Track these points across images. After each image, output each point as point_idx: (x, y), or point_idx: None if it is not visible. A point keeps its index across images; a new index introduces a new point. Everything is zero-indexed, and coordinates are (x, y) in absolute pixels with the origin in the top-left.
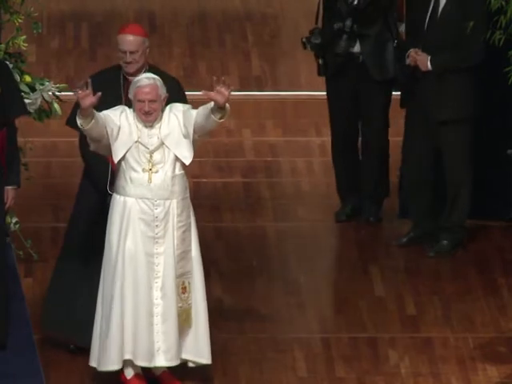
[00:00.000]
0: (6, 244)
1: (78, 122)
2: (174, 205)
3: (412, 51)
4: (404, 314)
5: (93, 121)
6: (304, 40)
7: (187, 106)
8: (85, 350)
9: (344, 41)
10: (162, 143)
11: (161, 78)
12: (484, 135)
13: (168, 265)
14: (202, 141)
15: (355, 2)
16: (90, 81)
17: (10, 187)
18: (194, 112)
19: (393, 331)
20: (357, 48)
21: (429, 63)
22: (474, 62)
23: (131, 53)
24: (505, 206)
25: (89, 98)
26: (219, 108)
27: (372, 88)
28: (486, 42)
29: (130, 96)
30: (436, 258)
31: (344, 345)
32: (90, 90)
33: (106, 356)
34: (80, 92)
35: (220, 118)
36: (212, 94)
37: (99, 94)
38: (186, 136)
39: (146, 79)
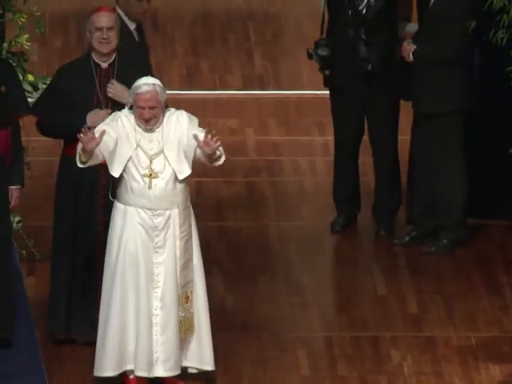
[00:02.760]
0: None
1: (80, 160)
2: (174, 214)
3: (405, 43)
4: (406, 313)
5: (90, 160)
6: (311, 52)
7: (194, 123)
8: (90, 346)
9: (363, 47)
10: (163, 151)
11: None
12: (485, 134)
13: (168, 275)
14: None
15: (364, 11)
16: (92, 128)
17: (14, 187)
18: (199, 137)
19: (395, 330)
20: (366, 56)
21: (411, 54)
22: (450, 56)
23: (108, 29)
24: (506, 205)
25: (93, 141)
26: (209, 155)
27: (380, 96)
28: (466, 38)
29: (131, 100)
30: (436, 256)
31: (346, 344)
32: (92, 133)
33: (102, 362)
34: (83, 137)
35: (213, 163)
36: (201, 142)
37: (103, 130)
38: (186, 155)
39: (146, 86)
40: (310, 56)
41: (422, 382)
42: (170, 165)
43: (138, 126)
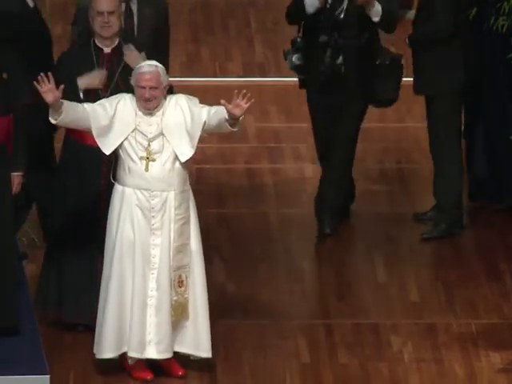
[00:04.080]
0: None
1: (51, 115)
2: (171, 196)
3: None
4: (407, 301)
5: (62, 115)
6: (286, 54)
7: (194, 101)
8: (90, 334)
9: (328, 56)
10: (162, 133)
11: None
12: (486, 120)
13: (164, 257)
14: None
15: (342, 16)
16: (50, 74)
17: (15, 173)
18: (204, 111)
19: (395, 317)
20: (340, 60)
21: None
22: (443, 34)
23: (109, 13)
24: (507, 190)
25: (51, 93)
26: (233, 119)
27: (350, 99)
28: (453, 18)
29: (132, 82)
30: (437, 243)
31: (347, 331)
32: (52, 85)
33: (102, 344)
34: (43, 86)
35: (233, 127)
36: (230, 106)
37: (62, 87)
38: (190, 133)
39: (148, 66)
40: (285, 57)
41: (422, 369)
42: (169, 147)
43: (139, 109)
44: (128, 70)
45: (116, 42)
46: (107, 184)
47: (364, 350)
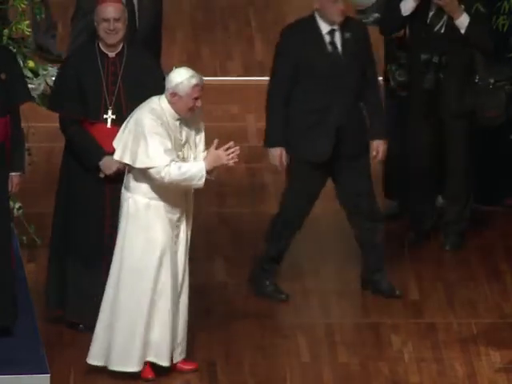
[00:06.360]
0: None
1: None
2: (188, 200)
3: None
4: (407, 300)
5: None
6: (388, 68)
7: (203, 135)
8: (91, 333)
9: (431, 74)
10: (187, 140)
11: (141, 55)
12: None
13: (182, 262)
14: None
15: (442, 31)
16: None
17: (14, 173)
18: (202, 148)
19: (396, 317)
20: (441, 77)
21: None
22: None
23: (115, 20)
24: (506, 191)
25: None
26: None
27: (451, 119)
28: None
29: (182, 93)
30: (435, 241)
31: (347, 330)
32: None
33: (128, 356)
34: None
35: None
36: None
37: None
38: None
39: (198, 77)
40: (389, 72)
41: (422, 368)
42: (191, 151)
43: (170, 116)
44: (130, 74)
45: (120, 47)
46: (112, 185)
47: (364, 349)
